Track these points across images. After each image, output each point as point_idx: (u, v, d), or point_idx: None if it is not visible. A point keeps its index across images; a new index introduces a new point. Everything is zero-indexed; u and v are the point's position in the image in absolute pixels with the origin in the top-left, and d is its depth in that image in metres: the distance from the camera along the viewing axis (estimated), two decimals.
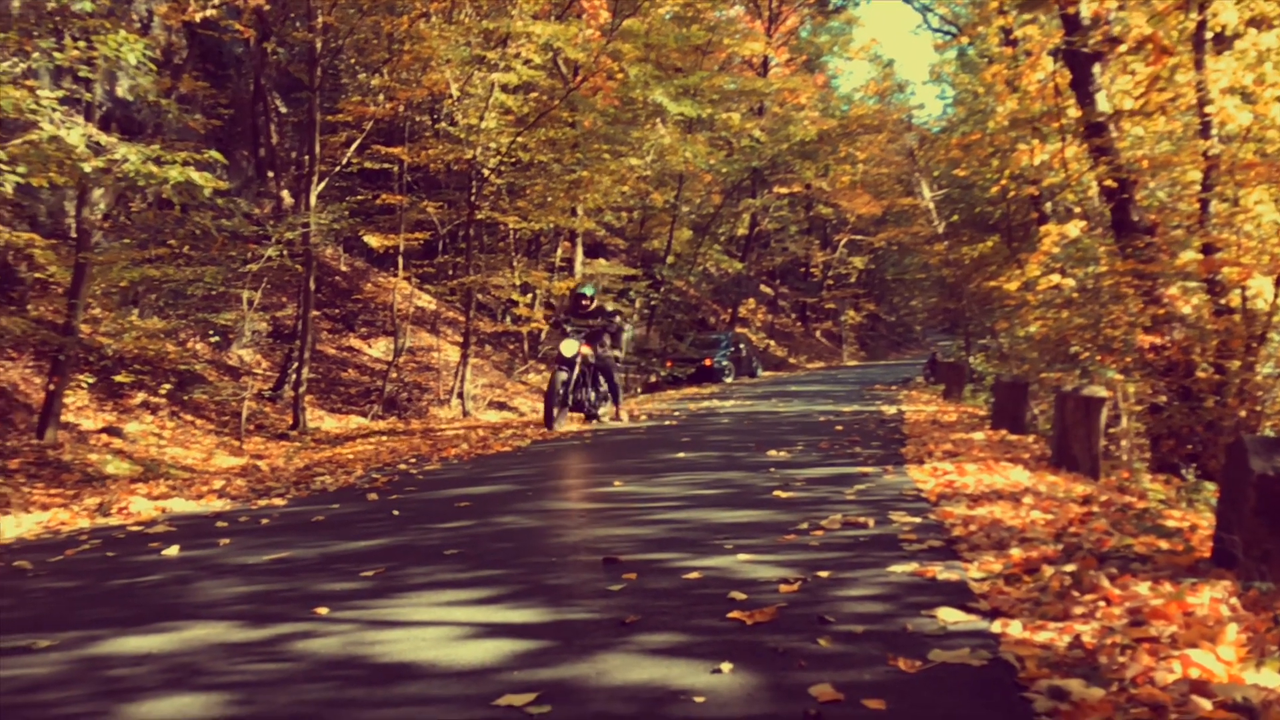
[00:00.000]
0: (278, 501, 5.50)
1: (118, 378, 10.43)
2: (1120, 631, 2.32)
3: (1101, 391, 6.05)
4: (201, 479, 7.35)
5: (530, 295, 18.02)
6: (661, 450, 7.31)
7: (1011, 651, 2.25)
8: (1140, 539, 3.46)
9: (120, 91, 12.40)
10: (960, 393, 15.28)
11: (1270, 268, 7.51)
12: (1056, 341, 9.85)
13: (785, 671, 2.19)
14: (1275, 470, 2.79)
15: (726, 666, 2.22)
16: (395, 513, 4.79)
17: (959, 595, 2.78)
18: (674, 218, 25.63)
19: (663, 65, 20.65)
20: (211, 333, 12.71)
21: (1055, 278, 9.63)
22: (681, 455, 6.93)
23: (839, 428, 8.85)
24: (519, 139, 14.21)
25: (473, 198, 14.53)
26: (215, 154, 8.05)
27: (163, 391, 10.98)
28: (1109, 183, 8.78)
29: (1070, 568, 2.94)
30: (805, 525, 3.94)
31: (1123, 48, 8.91)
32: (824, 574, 3.08)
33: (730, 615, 2.64)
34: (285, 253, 11.96)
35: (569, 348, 9.70)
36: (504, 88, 14.00)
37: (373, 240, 15.13)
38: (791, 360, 34.08)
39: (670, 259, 25.81)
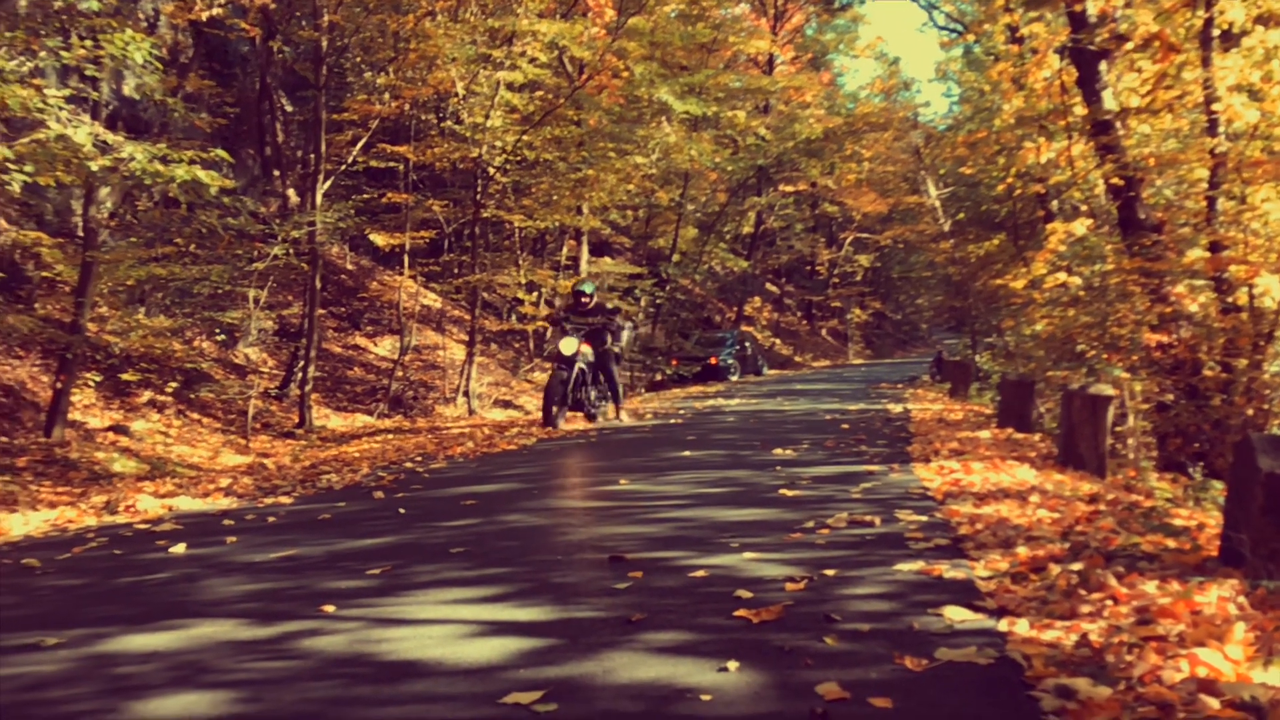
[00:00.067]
0: (284, 499, 5.51)
1: (124, 376, 10.46)
2: (1127, 630, 2.31)
3: (1108, 390, 6.03)
4: (208, 477, 7.37)
5: (536, 294, 18.02)
6: (667, 448, 7.30)
7: (1018, 650, 2.24)
8: (1147, 537, 3.45)
9: (127, 90, 12.42)
10: (966, 391, 15.25)
11: (1277, 265, 7.49)
12: (1063, 340, 9.82)
13: (792, 670, 2.19)
14: None
15: (733, 665, 2.22)
16: (401, 511, 4.80)
17: (965, 594, 2.77)
18: (679, 216, 25.62)
19: (668, 63, 20.65)
20: (218, 331, 12.75)
21: (1061, 276, 9.60)
22: (687, 454, 6.92)
23: (845, 426, 8.84)
24: (524, 137, 14.22)
25: (478, 196, 14.55)
26: (221, 153, 8.08)
27: (169, 390, 11.01)
28: (1115, 180, 8.75)
29: (1077, 566, 2.93)
30: (811, 524, 3.93)
31: (1129, 45, 8.88)
32: (830, 572, 3.07)
33: (736, 613, 2.64)
34: (291, 251, 11.99)
35: (568, 346, 9.65)
36: (509, 86, 14.01)
37: (378, 239, 15.16)
38: (797, 359, 34.04)
39: (676, 257, 25.78)
